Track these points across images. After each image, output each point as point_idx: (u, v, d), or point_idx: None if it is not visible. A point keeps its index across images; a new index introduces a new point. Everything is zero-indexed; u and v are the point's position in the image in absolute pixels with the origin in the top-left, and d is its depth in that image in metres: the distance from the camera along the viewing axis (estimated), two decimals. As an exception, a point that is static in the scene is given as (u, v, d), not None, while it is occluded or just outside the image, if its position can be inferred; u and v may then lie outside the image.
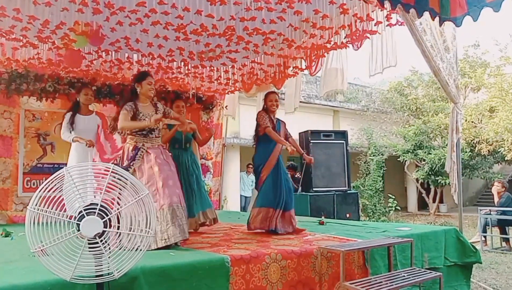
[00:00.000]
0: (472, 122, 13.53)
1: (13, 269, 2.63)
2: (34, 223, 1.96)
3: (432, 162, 13.81)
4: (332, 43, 5.12)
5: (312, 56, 5.71)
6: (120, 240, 2.16)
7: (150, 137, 3.74)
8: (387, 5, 3.24)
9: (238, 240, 3.90)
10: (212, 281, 2.77)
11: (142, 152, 3.67)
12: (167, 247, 3.37)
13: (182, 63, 6.26)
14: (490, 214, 8.03)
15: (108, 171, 2.05)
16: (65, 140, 4.99)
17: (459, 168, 4.95)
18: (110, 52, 5.67)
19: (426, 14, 3.23)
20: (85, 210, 2.01)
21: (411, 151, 14.55)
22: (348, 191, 7.56)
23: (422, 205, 17.47)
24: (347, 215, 7.16)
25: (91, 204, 2.03)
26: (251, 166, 8.90)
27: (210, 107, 7.90)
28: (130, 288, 2.45)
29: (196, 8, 3.95)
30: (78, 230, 1.99)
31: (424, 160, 14.31)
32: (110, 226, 2.03)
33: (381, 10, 4.45)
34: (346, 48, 5.24)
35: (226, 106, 8.03)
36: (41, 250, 1.96)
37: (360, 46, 5.05)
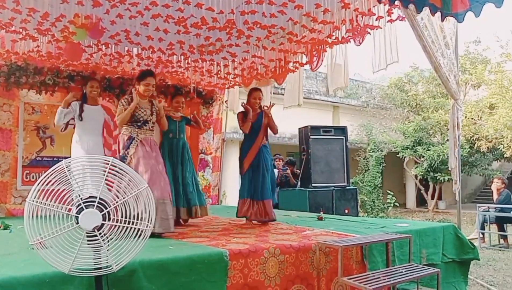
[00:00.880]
0: (472, 118, 13.52)
1: (12, 261, 2.63)
2: (33, 216, 1.96)
3: (431, 158, 13.82)
4: (333, 38, 5.10)
5: (313, 51, 5.69)
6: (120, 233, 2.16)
7: (144, 129, 4.02)
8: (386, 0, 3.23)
9: (237, 234, 3.90)
10: (210, 275, 2.77)
11: (136, 141, 3.92)
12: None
13: (182, 57, 6.24)
14: (488, 211, 8.05)
15: (108, 164, 2.05)
16: (59, 122, 4.94)
17: (459, 165, 4.96)
18: (110, 45, 5.65)
19: (427, 10, 3.22)
20: (84, 203, 2.01)
21: (410, 147, 14.55)
22: (347, 187, 7.56)
23: (421, 201, 17.51)
24: (346, 211, 7.16)
25: (90, 197, 2.02)
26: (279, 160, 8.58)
27: (210, 102, 7.88)
28: (128, 281, 2.45)
29: (196, 1, 3.93)
30: (77, 223, 1.99)
31: (423, 157, 14.32)
32: (109, 219, 2.03)
33: (384, 5, 4.43)
34: (347, 43, 5.22)
35: (226, 100, 8.02)
36: (40, 242, 1.96)
37: (362, 42, 5.04)
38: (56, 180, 2.01)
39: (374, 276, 3.15)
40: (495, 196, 8.44)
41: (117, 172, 2.08)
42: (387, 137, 14.94)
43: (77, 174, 2.06)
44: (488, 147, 13.42)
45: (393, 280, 3.11)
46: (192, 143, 7.81)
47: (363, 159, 15.08)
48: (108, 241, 2.03)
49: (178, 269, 2.67)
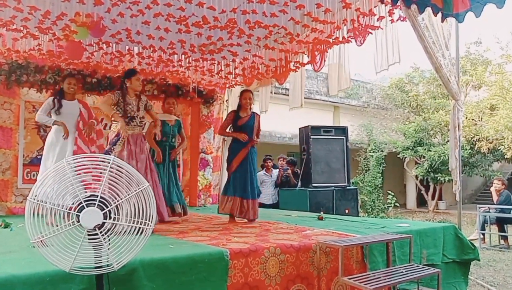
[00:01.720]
0: (473, 119, 13.52)
1: (12, 259, 2.63)
2: (33, 214, 1.96)
3: (432, 159, 13.81)
4: (334, 38, 5.10)
5: (314, 51, 5.68)
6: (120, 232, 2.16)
7: (132, 125, 4.16)
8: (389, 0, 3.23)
9: (237, 233, 3.90)
10: (211, 274, 2.77)
11: (123, 138, 4.07)
12: None
13: (183, 56, 6.24)
14: (488, 211, 8.04)
15: (109, 162, 2.05)
16: (41, 122, 5.05)
17: (459, 165, 4.96)
18: (111, 44, 5.65)
19: (428, 10, 3.22)
20: (85, 201, 2.00)
21: (411, 148, 14.55)
22: (348, 187, 7.56)
23: (421, 202, 17.50)
24: (346, 211, 7.16)
25: (91, 195, 2.02)
26: (269, 161, 8.32)
27: (211, 101, 7.87)
28: (129, 280, 2.46)
29: (198, 0, 3.93)
30: (78, 221, 1.99)
31: (423, 157, 14.31)
32: (110, 217, 2.03)
33: (385, 5, 4.43)
34: (348, 43, 5.22)
35: (227, 100, 8.02)
36: (41, 241, 1.96)
37: (363, 42, 5.04)
38: (57, 179, 2.01)
39: (374, 276, 3.15)
40: (494, 198, 8.42)
41: (118, 171, 2.08)
42: (388, 137, 14.93)
43: (78, 172, 2.05)
44: (488, 148, 13.41)
45: (394, 280, 3.11)
46: (192, 143, 7.84)
47: (364, 159, 15.08)
48: (109, 240, 2.03)
49: (178, 268, 2.67)
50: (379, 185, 14.47)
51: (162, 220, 4.35)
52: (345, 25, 4.82)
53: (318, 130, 7.61)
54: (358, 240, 3.48)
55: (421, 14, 3.90)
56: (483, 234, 8.02)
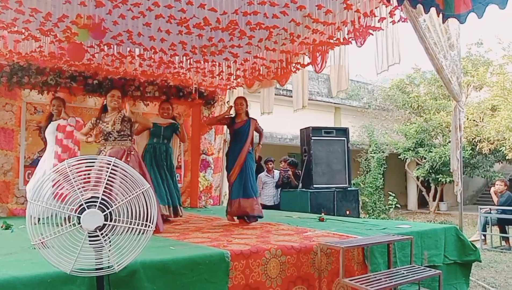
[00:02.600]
0: (474, 120, 13.50)
1: (13, 261, 2.63)
2: (34, 215, 1.96)
3: (433, 160, 13.79)
4: (335, 39, 5.10)
5: (315, 52, 5.68)
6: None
7: (110, 140, 4.30)
8: (393, 0, 3.22)
9: (238, 235, 3.90)
10: (212, 276, 2.78)
11: (103, 153, 4.23)
12: None
13: (184, 58, 6.24)
14: (490, 213, 8.02)
15: (109, 164, 2.05)
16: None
17: (460, 166, 4.95)
18: (112, 46, 5.65)
19: (430, 11, 3.22)
20: (86, 203, 2.01)
21: (412, 149, 14.52)
22: (349, 188, 7.55)
23: (422, 203, 17.47)
24: (347, 212, 7.16)
25: (92, 197, 2.02)
26: (271, 163, 8.33)
27: (212, 103, 7.89)
28: (129, 282, 2.46)
29: (199, 1, 3.93)
30: (79, 223, 1.99)
31: (424, 158, 14.29)
32: (111, 219, 2.03)
33: (386, 6, 4.43)
34: (349, 44, 5.22)
35: (228, 101, 8.03)
36: (42, 242, 1.96)
37: (364, 43, 5.04)
38: (58, 180, 2.02)
39: (375, 277, 3.15)
40: (494, 199, 8.41)
41: (119, 172, 2.08)
42: (389, 138, 14.91)
43: (79, 174, 2.06)
44: (490, 149, 13.39)
45: (395, 281, 3.11)
46: (193, 144, 7.84)
47: (365, 160, 15.06)
48: (109, 241, 2.03)
49: (179, 270, 2.67)
50: (380, 186, 14.45)
51: (157, 231, 4.37)
52: (346, 26, 4.82)
53: (319, 131, 7.61)
54: (359, 242, 3.48)
55: (426, 14, 3.89)
56: (485, 235, 8.01)
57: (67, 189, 2.03)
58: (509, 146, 12.33)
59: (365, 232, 4.16)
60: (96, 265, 2.04)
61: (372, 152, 14.82)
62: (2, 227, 4.47)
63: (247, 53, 5.72)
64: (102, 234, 2.00)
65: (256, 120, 5.24)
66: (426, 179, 15.18)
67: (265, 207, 8.10)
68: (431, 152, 13.89)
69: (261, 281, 3.00)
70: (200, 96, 7.62)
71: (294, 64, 6.10)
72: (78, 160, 2.09)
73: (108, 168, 2.05)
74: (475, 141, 13.58)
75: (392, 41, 4.84)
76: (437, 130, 14.29)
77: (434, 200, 15.96)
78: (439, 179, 14.35)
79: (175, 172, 5.56)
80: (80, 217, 1.99)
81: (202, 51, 5.63)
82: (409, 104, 15.22)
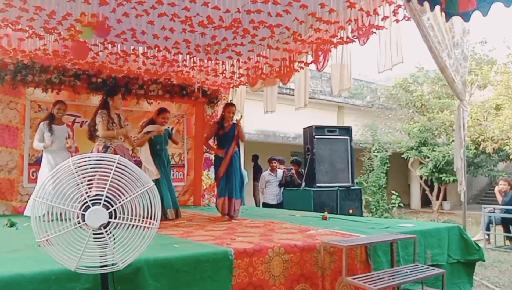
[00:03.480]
0: (478, 119, 13.45)
1: (18, 258, 2.65)
2: (39, 213, 1.97)
3: (436, 159, 13.75)
4: (338, 37, 5.09)
5: (318, 51, 5.68)
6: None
7: (119, 139, 4.75)
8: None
9: (242, 233, 3.91)
10: (215, 274, 2.78)
11: (110, 149, 4.54)
12: None
13: (188, 56, 6.25)
14: (494, 212, 8.00)
15: (114, 162, 2.06)
16: (39, 149, 5.41)
17: (464, 166, 4.93)
18: (116, 44, 5.67)
19: (434, 10, 3.21)
20: (90, 200, 2.01)
21: (415, 148, 14.49)
22: (352, 187, 7.55)
23: (425, 202, 17.43)
24: (350, 211, 7.15)
25: (96, 195, 2.03)
26: (274, 161, 8.43)
27: (215, 101, 7.90)
28: (134, 279, 2.47)
29: (202, 0, 3.93)
30: (83, 221, 2.00)
31: (428, 157, 14.25)
32: (115, 217, 2.04)
33: (390, 5, 4.41)
34: (352, 43, 5.21)
35: (231, 100, 8.03)
36: (46, 240, 1.97)
37: (367, 42, 5.03)
38: (63, 178, 2.02)
39: (378, 276, 3.14)
40: (498, 199, 8.37)
41: (124, 170, 2.09)
42: (392, 137, 14.88)
43: (84, 172, 2.06)
44: (493, 148, 13.33)
45: (398, 280, 3.10)
46: (196, 143, 7.86)
47: (368, 159, 15.01)
48: (114, 239, 2.04)
49: (183, 268, 2.68)
50: (383, 185, 14.41)
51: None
52: (349, 24, 4.81)
53: (322, 130, 7.60)
54: (362, 240, 3.48)
55: (432, 11, 3.87)
56: (488, 235, 7.98)
57: (70, 186, 2.04)
58: (513, 145, 12.29)
59: (368, 231, 4.15)
60: (100, 262, 2.05)
61: (375, 151, 14.78)
62: (7, 224, 4.49)
63: (250, 51, 5.71)
64: (106, 231, 2.01)
65: (239, 123, 5.56)
66: (430, 178, 15.15)
67: (268, 205, 8.13)
68: (434, 151, 13.85)
69: (265, 279, 3.00)
70: (204, 95, 7.63)
71: (297, 63, 6.09)
72: (82, 158, 2.10)
73: (113, 165, 2.05)
74: (478, 140, 13.53)
75: (395, 40, 4.83)
76: (440, 129, 14.25)
77: (437, 199, 15.91)
78: (442, 178, 14.31)
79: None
80: (84, 214, 2.00)
81: (205, 49, 5.64)
82: (412, 103, 15.18)
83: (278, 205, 7.96)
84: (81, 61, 6.01)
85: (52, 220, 1.98)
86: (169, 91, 7.20)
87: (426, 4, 3.24)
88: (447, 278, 3.66)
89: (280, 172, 8.32)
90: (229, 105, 5.68)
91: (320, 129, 7.59)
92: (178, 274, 2.65)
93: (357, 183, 12.13)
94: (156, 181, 4.87)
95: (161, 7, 4.06)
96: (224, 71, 6.81)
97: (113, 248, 2.03)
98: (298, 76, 6.78)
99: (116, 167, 2.05)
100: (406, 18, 4.55)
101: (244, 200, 6.09)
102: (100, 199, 2.02)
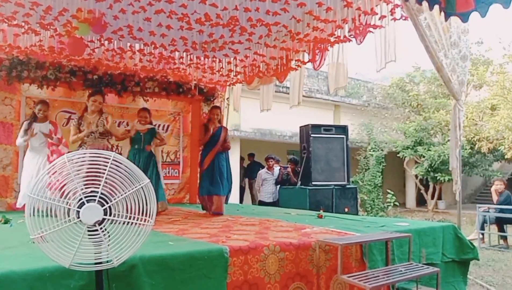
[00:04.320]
0: (473, 119, 13.51)
1: (12, 255, 2.63)
2: (34, 210, 1.96)
3: (432, 158, 13.81)
4: (335, 36, 5.09)
5: (315, 49, 5.68)
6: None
7: (91, 137, 5.00)
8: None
9: (237, 231, 3.91)
10: (210, 271, 2.78)
11: (83, 148, 4.88)
12: None
13: (185, 53, 6.23)
14: (488, 211, 8.04)
15: (109, 159, 2.05)
16: (22, 145, 5.50)
17: (459, 165, 4.95)
18: (112, 41, 5.64)
19: (433, 9, 3.21)
20: (85, 197, 2.00)
21: (411, 147, 14.54)
22: (347, 186, 7.57)
23: (421, 201, 17.50)
24: (346, 210, 7.17)
25: (91, 191, 2.02)
26: (271, 160, 8.50)
27: (211, 99, 7.89)
28: (128, 276, 2.46)
29: (200, -3, 3.93)
30: (78, 217, 1.99)
31: (423, 157, 14.30)
32: (111, 213, 2.03)
33: (387, 4, 4.42)
34: (349, 42, 5.21)
35: (228, 97, 8.02)
36: (41, 236, 1.96)
37: (363, 41, 5.03)
38: (58, 174, 2.01)
39: (373, 274, 3.15)
40: (494, 198, 8.42)
41: (119, 167, 2.08)
42: (388, 136, 14.92)
43: (79, 168, 2.05)
44: (489, 148, 13.41)
45: (393, 278, 3.11)
46: (192, 140, 7.84)
47: (364, 158, 15.06)
48: (109, 236, 2.03)
49: (178, 265, 2.67)
50: (379, 184, 14.47)
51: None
52: (346, 23, 4.81)
53: (319, 129, 7.61)
54: (358, 239, 3.49)
55: (431, 10, 3.87)
56: (483, 234, 8.03)
57: (65, 183, 2.03)
58: (508, 145, 12.35)
59: (363, 229, 4.16)
60: (95, 259, 2.04)
61: (371, 150, 14.83)
62: (1, 221, 4.47)
63: (247, 49, 5.71)
64: (101, 228, 2.00)
65: (226, 128, 5.94)
66: (425, 177, 15.20)
67: (264, 203, 8.14)
68: (430, 150, 13.91)
69: (260, 277, 3.00)
70: (200, 92, 7.62)
71: (294, 61, 6.08)
72: (78, 155, 2.09)
73: (108, 162, 2.04)
74: (474, 140, 13.60)
75: (390, 38, 4.84)
76: (436, 128, 14.30)
77: (432, 198, 15.98)
78: (437, 178, 14.37)
79: (160, 173, 6.07)
80: (79, 211, 1.99)
81: (202, 47, 5.63)
82: (408, 102, 15.23)
83: (274, 203, 7.97)
84: (77, 57, 5.98)
85: (47, 216, 1.97)
86: (166, 88, 7.18)
87: (425, 3, 3.25)
88: (442, 276, 3.68)
89: (276, 170, 8.33)
90: (214, 108, 5.99)
91: (316, 127, 7.60)
92: (173, 271, 2.64)
93: (352, 182, 12.18)
94: None
95: (158, 4, 4.05)
96: (221, 69, 6.80)
97: (108, 245, 2.03)
98: (293, 74, 6.79)
99: (112, 163, 2.05)
100: (404, 18, 4.56)
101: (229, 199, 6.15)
102: (95, 196, 2.02)
